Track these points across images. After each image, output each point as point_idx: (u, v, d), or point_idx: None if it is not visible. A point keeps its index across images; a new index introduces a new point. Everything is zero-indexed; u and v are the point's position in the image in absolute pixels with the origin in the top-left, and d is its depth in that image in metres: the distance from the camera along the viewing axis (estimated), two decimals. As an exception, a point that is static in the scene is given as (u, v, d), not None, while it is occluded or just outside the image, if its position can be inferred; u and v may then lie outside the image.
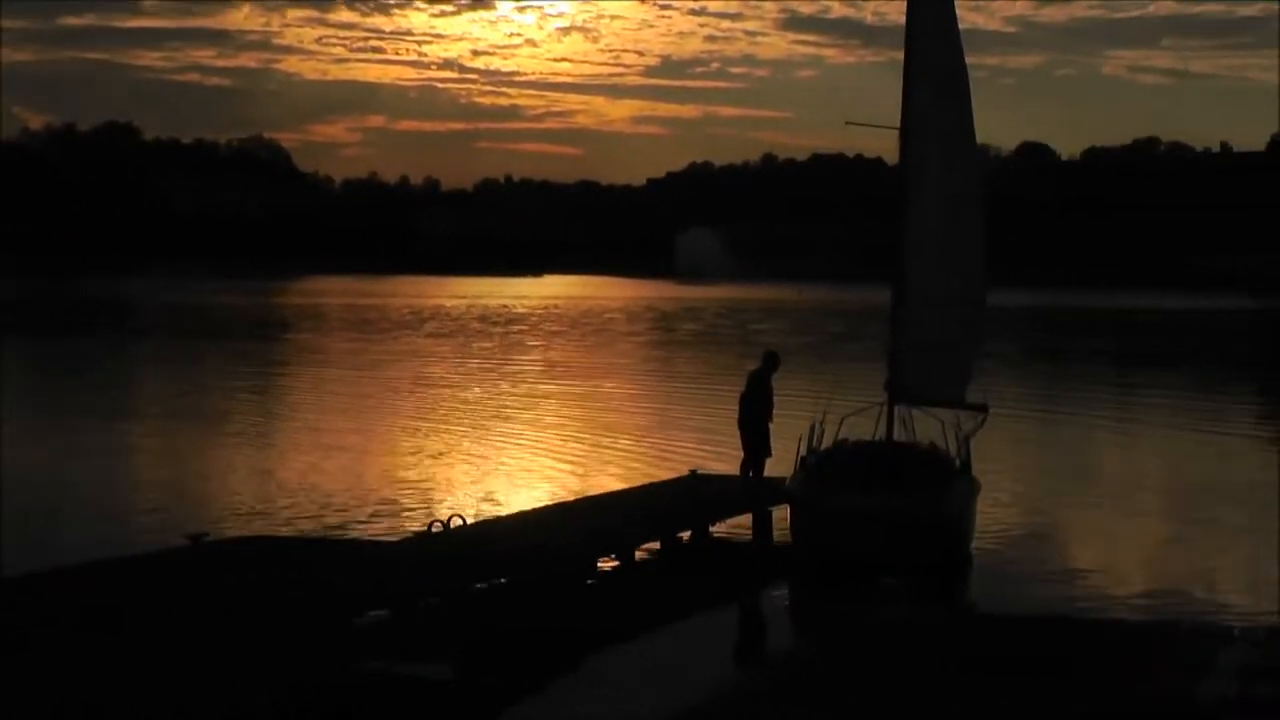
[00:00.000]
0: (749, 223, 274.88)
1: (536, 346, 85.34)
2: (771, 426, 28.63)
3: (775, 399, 28.78)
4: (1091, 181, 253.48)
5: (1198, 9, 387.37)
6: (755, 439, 28.52)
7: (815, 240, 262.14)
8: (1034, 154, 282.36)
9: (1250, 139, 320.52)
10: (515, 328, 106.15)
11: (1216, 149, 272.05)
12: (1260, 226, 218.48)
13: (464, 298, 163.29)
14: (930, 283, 27.86)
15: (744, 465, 28.68)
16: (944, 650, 16.20)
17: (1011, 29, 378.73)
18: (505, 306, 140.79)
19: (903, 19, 28.11)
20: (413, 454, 38.81)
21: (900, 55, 28.05)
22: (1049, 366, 78.90)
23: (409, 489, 32.99)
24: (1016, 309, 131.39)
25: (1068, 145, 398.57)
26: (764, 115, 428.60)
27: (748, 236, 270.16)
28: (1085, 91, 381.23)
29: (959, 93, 27.89)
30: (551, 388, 59.23)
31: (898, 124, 27.90)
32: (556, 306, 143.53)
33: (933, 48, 27.79)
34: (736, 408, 29.00)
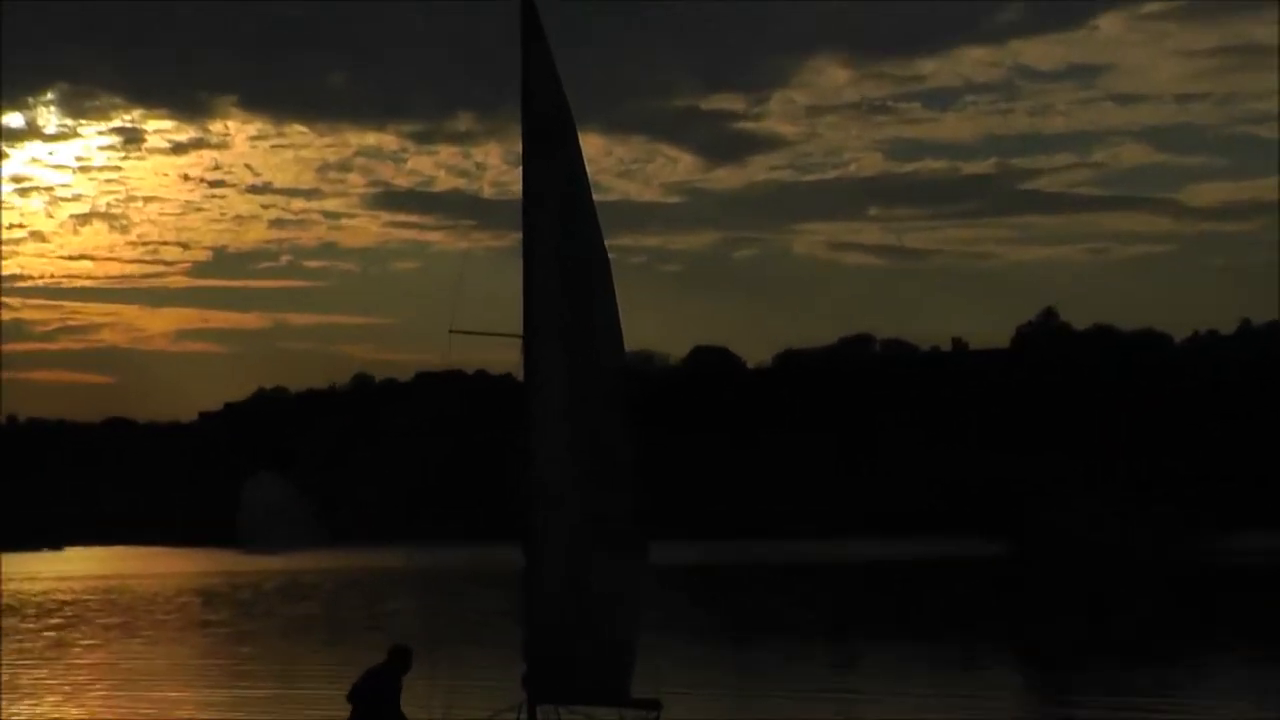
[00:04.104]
0: (338, 465, 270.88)
1: (89, 646, 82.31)
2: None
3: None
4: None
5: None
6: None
7: (427, 488, 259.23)
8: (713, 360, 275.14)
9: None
10: (53, 621, 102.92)
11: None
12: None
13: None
14: (571, 540, 27.12)
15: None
16: None
17: (675, 198, 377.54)
18: (46, 592, 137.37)
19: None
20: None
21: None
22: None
23: None
24: (684, 566, 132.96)
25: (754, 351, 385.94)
26: (352, 322, 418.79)
27: (336, 483, 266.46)
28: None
29: (599, 284, 27.49)
30: (109, 699, 56.81)
31: (519, 330, 27.17)
32: (106, 590, 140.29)
33: (560, 230, 27.44)
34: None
